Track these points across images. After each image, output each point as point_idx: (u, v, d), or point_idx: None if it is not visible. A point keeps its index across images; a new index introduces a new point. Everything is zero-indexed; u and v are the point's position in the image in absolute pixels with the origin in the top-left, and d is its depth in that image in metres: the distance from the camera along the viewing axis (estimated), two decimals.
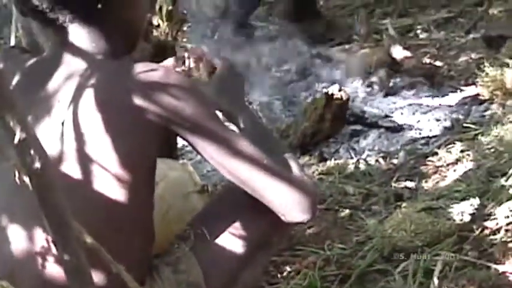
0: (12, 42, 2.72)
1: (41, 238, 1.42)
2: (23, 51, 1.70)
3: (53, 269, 1.43)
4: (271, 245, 1.73)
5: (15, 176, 0.85)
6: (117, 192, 1.44)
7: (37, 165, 0.83)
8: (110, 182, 1.43)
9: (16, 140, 0.81)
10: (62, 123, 1.42)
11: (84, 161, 1.42)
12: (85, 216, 1.24)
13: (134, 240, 1.51)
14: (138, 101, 1.42)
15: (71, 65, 1.50)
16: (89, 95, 1.43)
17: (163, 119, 1.44)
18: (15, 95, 0.84)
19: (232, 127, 1.65)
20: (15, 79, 1.53)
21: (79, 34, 1.53)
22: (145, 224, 1.55)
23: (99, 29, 1.54)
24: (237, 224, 1.63)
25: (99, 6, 1.51)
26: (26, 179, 0.86)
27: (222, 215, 1.65)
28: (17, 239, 1.45)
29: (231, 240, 1.64)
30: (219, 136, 1.48)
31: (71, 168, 1.43)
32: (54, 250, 1.37)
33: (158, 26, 2.46)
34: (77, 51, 1.51)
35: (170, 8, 2.44)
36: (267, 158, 1.52)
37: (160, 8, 2.44)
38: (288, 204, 1.52)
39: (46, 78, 1.51)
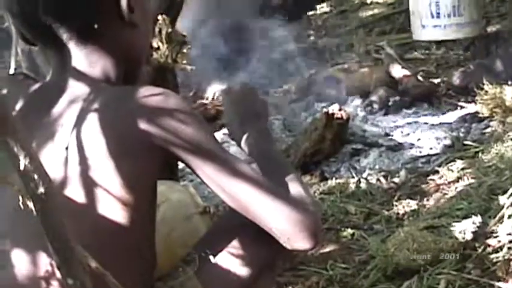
0: (13, 66, 2.73)
1: (45, 263, 1.42)
2: (27, 77, 1.70)
3: None
4: (275, 268, 1.73)
5: (18, 200, 0.85)
6: (119, 215, 1.44)
7: (41, 190, 0.84)
8: (112, 205, 1.43)
9: (21, 166, 0.81)
10: (66, 148, 1.43)
11: (88, 184, 1.42)
12: (88, 240, 1.24)
13: (136, 264, 1.51)
14: (140, 124, 1.43)
15: (74, 90, 1.51)
16: (92, 119, 1.44)
17: (164, 142, 1.44)
18: (18, 120, 0.84)
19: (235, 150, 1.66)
20: (19, 105, 1.54)
21: (79, 57, 1.53)
22: (147, 246, 1.55)
23: (98, 52, 1.54)
24: (241, 247, 1.62)
25: (96, 26, 1.52)
26: (30, 204, 0.86)
27: (226, 238, 1.64)
28: (21, 263, 1.45)
29: (235, 263, 1.63)
30: (219, 159, 1.48)
31: (75, 192, 1.43)
32: (58, 275, 1.37)
33: (158, 48, 2.46)
34: (78, 76, 1.52)
35: (170, 30, 2.45)
36: (267, 182, 1.51)
37: (160, 30, 2.44)
38: (290, 232, 1.50)
39: (49, 103, 1.51)
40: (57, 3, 1.51)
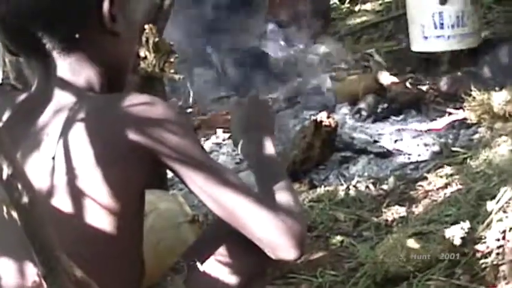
0: (0, 77, 2.73)
1: (32, 273, 1.41)
2: (13, 88, 1.71)
3: None
4: (265, 276, 1.73)
5: (3, 210, 0.85)
6: (106, 224, 1.44)
7: (25, 200, 0.84)
8: (99, 213, 1.43)
9: (4, 176, 0.81)
10: (53, 158, 1.42)
11: (75, 194, 1.42)
12: (75, 249, 1.24)
13: (124, 272, 1.51)
14: (127, 132, 1.43)
15: (59, 99, 1.50)
16: (78, 128, 1.44)
17: (152, 150, 1.44)
18: (2, 131, 0.83)
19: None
20: (5, 116, 1.53)
21: (62, 66, 1.53)
22: (135, 255, 1.54)
23: (81, 61, 1.54)
24: (230, 255, 1.62)
25: (77, 36, 1.52)
26: (14, 214, 0.86)
27: (215, 247, 1.64)
28: (7, 274, 1.45)
29: (224, 271, 1.63)
30: (206, 168, 1.48)
31: (62, 201, 1.42)
32: (44, 285, 1.36)
33: (145, 57, 2.46)
34: (63, 85, 1.51)
35: (157, 39, 2.44)
36: (253, 192, 1.51)
37: (147, 40, 2.44)
38: (274, 242, 1.49)
39: (35, 113, 1.51)
40: (39, 13, 1.51)
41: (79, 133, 1.43)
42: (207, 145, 3.70)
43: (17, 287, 1.44)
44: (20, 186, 0.83)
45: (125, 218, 1.45)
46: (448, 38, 4.14)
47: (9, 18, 1.52)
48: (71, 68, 1.53)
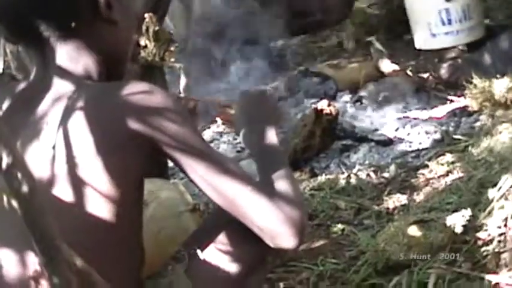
0: (1, 67, 2.72)
1: (33, 262, 1.41)
2: (12, 78, 1.71)
3: None
4: (266, 264, 1.73)
5: (3, 200, 0.85)
6: (106, 211, 1.44)
7: (25, 189, 0.83)
8: (99, 202, 1.43)
9: (3, 165, 0.81)
10: (53, 147, 1.42)
11: (75, 182, 1.42)
12: (75, 237, 1.24)
13: (124, 260, 1.51)
14: (126, 121, 1.42)
15: (57, 88, 1.50)
16: (77, 116, 1.43)
17: (151, 138, 1.44)
18: (1, 120, 0.83)
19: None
20: (4, 105, 1.53)
21: (60, 55, 1.53)
22: (135, 242, 1.54)
23: (78, 49, 1.54)
24: (231, 244, 1.62)
25: (73, 24, 1.51)
26: (14, 203, 0.86)
27: (215, 235, 1.64)
28: (8, 263, 1.45)
29: (225, 260, 1.63)
30: (205, 157, 1.48)
31: (62, 190, 1.42)
32: (44, 273, 1.36)
33: (145, 46, 2.46)
34: (61, 74, 1.51)
35: (157, 28, 2.44)
36: (253, 181, 1.51)
37: (147, 29, 2.44)
38: (273, 230, 1.49)
39: (33, 102, 1.51)
40: (34, 1, 1.51)
41: (78, 122, 1.43)
42: (208, 134, 3.70)
43: (18, 277, 1.44)
44: (19, 175, 0.83)
45: (124, 205, 1.46)
46: (457, 32, 4.14)
47: (7, 7, 1.51)
48: (69, 56, 1.53)
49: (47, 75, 1.53)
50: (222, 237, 1.63)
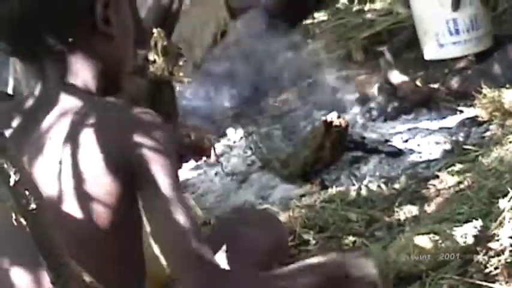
0: (11, 85, 2.73)
1: (46, 280, 1.42)
2: (9, 96, 1.72)
3: None
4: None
5: (10, 217, 0.85)
6: (112, 227, 1.44)
7: (32, 206, 0.84)
8: (106, 217, 1.43)
9: (11, 182, 0.81)
10: (60, 162, 1.43)
11: (82, 197, 1.42)
12: (81, 252, 1.24)
13: (123, 275, 1.51)
14: (130, 138, 1.43)
15: (62, 102, 1.51)
16: (84, 131, 1.44)
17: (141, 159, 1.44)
18: (7, 136, 0.84)
19: None
20: (8, 120, 1.54)
21: (61, 68, 1.54)
22: (139, 257, 1.55)
23: (76, 63, 1.54)
24: (239, 254, 1.63)
25: (71, 39, 1.52)
26: (22, 220, 0.86)
27: (223, 247, 1.65)
28: (21, 282, 1.45)
29: (234, 270, 1.64)
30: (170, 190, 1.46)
31: (69, 205, 1.43)
32: None
33: (154, 61, 2.47)
34: (65, 88, 1.52)
35: (165, 43, 2.45)
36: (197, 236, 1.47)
37: (156, 43, 2.45)
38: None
39: (37, 117, 1.51)
40: (30, 18, 1.51)
41: (85, 137, 1.43)
42: (218, 147, 3.70)
43: None
44: (27, 192, 0.83)
45: (127, 220, 1.46)
46: (465, 42, 4.13)
47: (3, 22, 1.52)
48: (69, 70, 1.53)
49: (49, 89, 1.53)
50: (228, 247, 1.64)
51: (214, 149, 1.96)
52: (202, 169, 3.48)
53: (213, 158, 1.94)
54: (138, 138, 1.43)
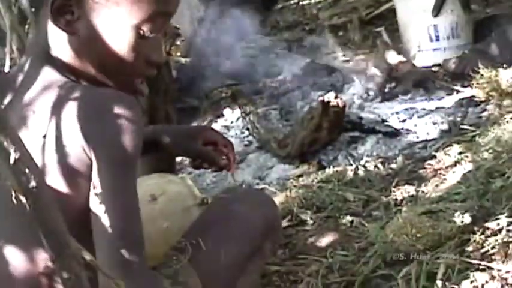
0: (8, 64, 2.72)
1: (41, 258, 1.42)
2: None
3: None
4: (264, 251, 1.75)
5: (6, 195, 0.84)
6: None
7: (32, 184, 0.84)
8: (87, 191, 1.42)
9: (11, 160, 0.81)
10: (44, 136, 1.42)
11: (66, 171, 1.41)
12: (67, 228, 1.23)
13: None
14: (90, 122, 1.42)
15: (47, 76, 1.49)
16: (69, 106, 1.42)
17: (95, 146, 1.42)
18: (6, 114, 0.83)
19: None
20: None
21: (46, 44, 1.52)
22: None
23: (61, 40, 1.52)
24: (231, 233, 1.64)
25: (69, 18, 1.50)
26: (22, 198, 0.86)
27: (216, 225, 1.66)
28: (16, 259, 1.45)
29: (226, 249, 1.65)
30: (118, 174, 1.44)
31: (53, 179, 1.42)
32: (51, 268, 1.37)
33: None
34: (52, 61, 1.51)
35: None
36: (132, 226, 1.44)
37: None
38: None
39: (22, 90, 1.50)
40: None
41: (66, 112, 1.42)
42: (216, 127, 3.70)
43: (26, 273, 1.44)
44: (27, 170, 0.83)
45: None
46: (444, 50, 4.16)
47: None
48: (53, 47, 1.52)
49: (34, 63, 1.52)
50: (221, 226, 1.65)
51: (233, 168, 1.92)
52: None
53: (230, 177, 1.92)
54: (96, 123, 1.40)
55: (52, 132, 1.41)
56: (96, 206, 1.40)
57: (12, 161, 0.81)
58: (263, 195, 2.03)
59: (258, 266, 1.75)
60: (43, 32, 1.53)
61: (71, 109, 1.42)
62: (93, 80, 1.53)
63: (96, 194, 1.40)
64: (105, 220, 1.39)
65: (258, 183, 3.14)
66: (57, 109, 1.42)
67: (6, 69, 2.68)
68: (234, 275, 1.66)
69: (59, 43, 1.52)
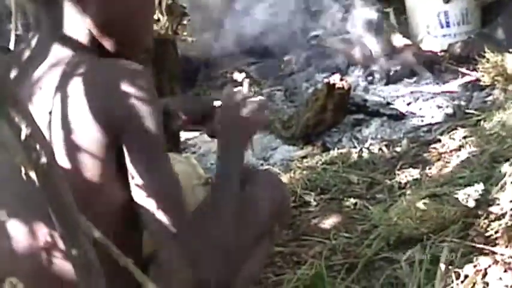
0: (13, 41, 2.72)
1: (42, 233, 1.41)
2: (9, 51, 1.70)
3: (55, 264, 1.42)
4: (273, 234, 1.74)
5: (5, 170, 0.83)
6: (100, 179, 1.43)
7: (43, 160, 0.83)
8: (95, 168, 1.42)
9: (22, 136, 0.81)
10: (50, 113, 1.41)
11: (72, 149, 1.41)
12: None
13: (117, 226, 1.50)
14: (116, 89, 1.41)
15: (56, 52, 1.49)
16: (75, 83, 1.42)
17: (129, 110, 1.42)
18: (18, 91, 0.83)
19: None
20: (6, 72, 1.51)
21: (55, 20, 1.52)
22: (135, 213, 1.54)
23: (69, 15, 1.52)
24: (238, 215, 1.63)
25: None
26: (33, 175, 0.86)
27: (222, 207, 1.64)
28: (19, 234, 1.45)
29: (235, 231, 1.64)
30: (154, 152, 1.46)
31: (58, 156, 1.41)
32: (59, 245, 1.37)
33: (158, 20, 2.46)
34: (60, 38, 1.50)
35: (170, 1, 2.44)
36: (176, 198, 1.48)
37: (160, 2, 2.43)
38: (159, 243, 1.46)
39: (30, 67, 1.49)
40: None
41: (73, 88, 1.41)
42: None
43: (27, 248, 1.44)
44: (38, 146, 0.83)
45: (113, 174, 1.45)
46: (455, 36, 4.15)
47: None
48: (62, 23, 1.51)
49: (43, 40, 1.52)
50: (228, 209, 1.64)
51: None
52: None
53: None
54: (124, 88, 1.40)
55: (58, 109, 1.41)
56: (139, 193, 1.43)
57: (23, 136, 0.81)
58: (273, 177, 2.01)
59: (266, 249, 1.74)
60: (54, 10, 1.52)
61: (82, 86, 1.41)
62: (107, 55, 1.53)
63: (136, 181, 1.42)
64: (155, 182, 1.43)
65: (262, 164, 3.14)
66: (66, 86, 1.42)
67: (11, 45, 2.67)
68: (242, 258, 1.65)
69: (72, 20, 1.52)
